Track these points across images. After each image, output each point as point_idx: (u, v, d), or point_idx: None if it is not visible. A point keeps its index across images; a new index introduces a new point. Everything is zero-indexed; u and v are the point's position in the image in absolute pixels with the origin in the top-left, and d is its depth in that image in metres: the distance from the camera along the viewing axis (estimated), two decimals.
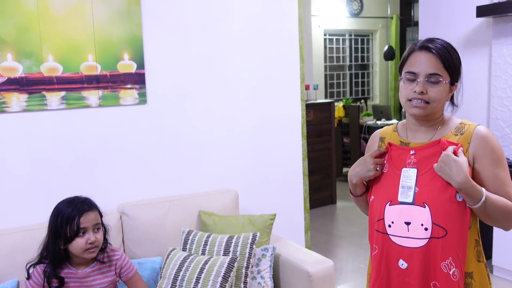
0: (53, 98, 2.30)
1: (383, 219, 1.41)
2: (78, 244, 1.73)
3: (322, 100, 6.14)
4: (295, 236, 3.05)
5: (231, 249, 2.13)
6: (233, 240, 2.16)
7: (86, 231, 1.75)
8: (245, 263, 2.11)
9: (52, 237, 1.75)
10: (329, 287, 2.21)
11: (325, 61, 8.25)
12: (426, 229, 1.33)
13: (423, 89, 1.35)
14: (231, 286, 2.02)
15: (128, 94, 2.49)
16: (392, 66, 8.84)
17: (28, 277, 1.77)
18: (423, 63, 1.37)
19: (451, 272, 1.32)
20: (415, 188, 1.36)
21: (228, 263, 1.96)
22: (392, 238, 1.39)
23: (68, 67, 2.32)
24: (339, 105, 6.83)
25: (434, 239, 1.32)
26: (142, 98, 2.52)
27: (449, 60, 1.37)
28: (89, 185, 2.37)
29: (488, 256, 3.68)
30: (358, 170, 1.49)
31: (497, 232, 3.39)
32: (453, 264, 1.32)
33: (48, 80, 2.28)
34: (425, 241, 1.33)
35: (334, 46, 8.43)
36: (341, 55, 8.55)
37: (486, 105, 3.82)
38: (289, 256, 2.31)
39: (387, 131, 1.57)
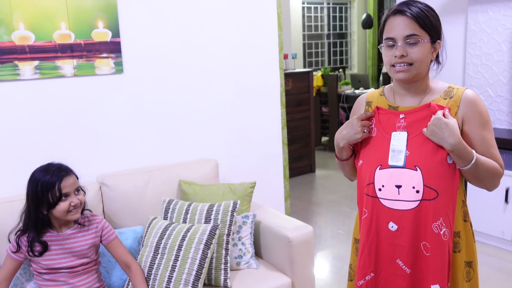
0: (26, 67, 2.24)
1: (373, 183, 1.42)
2: (61, 208, 1.77)
3: (300, 69, 6.13)
4: (275, 204, 3.10)
5: (212, 217, 2.15)
6: (214, 208, 2.18)
7: (68, 195, 1.79)
8: (226, 230, 2.14)
9: (34, 205, 1.78)
10: (308, 252, 2.26)
11: (303, 30, 8.19)
12: (417, 191, 1.35)
13: (403, 52, 1.36)
14: (213, 252, 2.05)
15: (104, 64, 2.44)
16: (370, 34, 8.84)
17: (17, 249, 1.82)
18: (398, 26, 1.37)
19: (441, 232, 1.36)
20: (405, 151, 1.37)
21: (210, 230, 1.99)
22: (382, 201, 1.41)
23: (41, 36, 2.26)
24: (317, 74, 6.83)
25: (425, 201, 1.35)
26: (119, 68, 2.48)
27: (425, 19, 1.37)
28: (66, 156, 2.32)
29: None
30: (345, 133, 1.49)
31: (471, 196, 3.50)
32: (444, 224, 1.36)
33: (20, 49, 2.22)
34: (416, 203, 1.36)
35: (312, 14, 8.36)
36: (319, 24, 8.50)
37: (461, 72, 3.88)
38: (269, 223, 2.35)
39: (374, 94, 1.57)
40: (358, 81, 6.78)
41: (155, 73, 2.60)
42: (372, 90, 1.61)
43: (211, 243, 1.97)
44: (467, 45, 3.75)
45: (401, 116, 1.42)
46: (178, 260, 1.94)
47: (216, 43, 2.78)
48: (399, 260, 1.41)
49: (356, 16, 8.76)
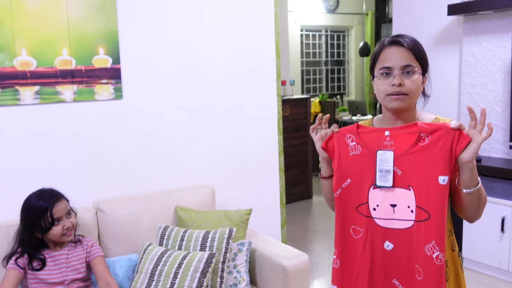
0: (27, 92, 2.27)
1: (367, 203, 1.41)
2: (55, 232, 1.90)
3: (298, 95, 6.20)
4: (272, 231, 3.09)
5: (208, 244, 2.15)
6: (210, 235, 2.18)
7: (61, 219, 1.92)
8: (221, 258, 2.13)
9: (27, 230, 1.90)
10: (305, 281, 2.25)
11: (302, 57, 8.30)
12: (412, 211, 1.35)
13: (401, 81, 1.38)
14: (208, 281, 2.04)
15: (104, 89, 2.47)
16: (367, 62, 8.95)
17: (14, 262, 1.90)
18: (395, 56, 1.40)
19: (434, 256, 1.33)
20: (396, 170, 1.36)
21: (206, 259, 1.98)
22: (377, 221, 1.39)
23: (42, 62, 2.29)
24: (315, 100, 6.89)
25: (418, 222, 1.34)
26: (118, 93, 2.51)
27: (419, 52, 1.42)
28: (64, 181, 2.34)
29: (459, 249, 3.79)
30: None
31: (466, 225, 3.50)
32: (437, 248, 1.33)
33: (21, 75, 2.25)
34: (411, 223, 1.35)
35: (311, 42, 8.49)
36: (317, 50, 8.62)
37: (456, 101, 3.93)
38: (265, 251, 2.34)
39: (365, 124, 1.56)
40: (356, 108, 6.84)
41: (154, 99, 2.63)
42: (361, 121, 1.59)
43: (208, 271, 1.97)
44: (462, 75, 3.81)
45: (386, 133, 1.40)
46: (173, 287, 1.93)
47: (215, 70, 2.83)
48: (395, 280, 1.40)
49: (353, 44, 8.89)
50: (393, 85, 1.38)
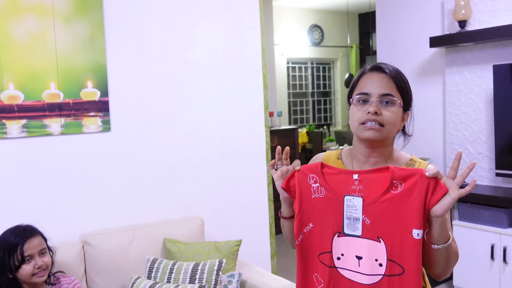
0: (13, 126, 2.26)
1: (331, 252, 1.25)
2: (25, 271, 1.75)
3: (286, 126, 6.25)
4: (262, 262, 3.05)
5: (197, 276, 2.12)
6: (199, 267, 2.15)
7: (32, 257, 1.77)
8: None
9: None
10: None
11: (289, 88, 8.41)
12: (380, 265, 1.20)
13: (377, 109, 1.25)
14: None
15: (92, 122, 2.47)
16: None
17: None
18: (375, 83, 1.28)
19: None
20: (364, 219, 1.21)
21: None
22: (341, 271, 1.24)
23: (30, 95, 2.30)
24: (302, 131, 6.95)
25: (388, 276, 1.19)
26: (106, 126, 2.51)
27: (401, 82, 1.30)
28: (50, 214, 2.31)
29: (449, 277, 3.78)
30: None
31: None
32: None
33: (8, 108, 2.25)
34: (379, 277, 1.20)
35: (297, 74, 8.62)
36: (303, 82, 8.75)
37: (442, 130, 3.99)
38: (255, 282, 2.31)
39: (330, 157, 1.42)
40: (343, 138, 6.91)
41: (142, 131, 2.63)
42: (328, 151, 1.45)
43: None
44: (446, 104, 3.88)
45: (354, 177, 1.23)
46: None
47: (203, 103, 2.85)
48: None
49: (339, 75, 9.05)
50: (369, 112, 1.25)
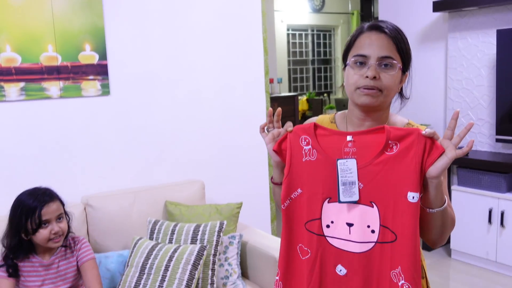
0: (12, 89, 2.24)
1: (320, 218, 1.18)
2: (41, 236, 1.73)
3: (286, 93, 6.22)
4: (262, 225, 3.09)
5: (199, 237, 2.14)
6: (201, 229, 2.17)
7: (49, 222, 1.74)
8: (212, 251, 2.12)
9: (14, 230, 1.74)
10: None
11: (289, 56, 8.33)
12: (373, 231, 1.14)
13: (376, 74, 1.16)
14: (200, 273, 2.03)
15: (91, 85, 2.45)
16: None
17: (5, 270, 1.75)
18: (374, 44, 1.18)
19: (399, 284, 1.12)
20: (358, 183, 1.14)
21: (197, 251, 1.97)
22: (330, 240, 1.17)
23: (27, 58, 2.27)
24: (302, 98, 6.92)
25: (380, 243, 1.13)
26: (105, 89, 2.49)
27: (402, 43, 1.21)
28: (51, 177, 2.32)
29: (447, 240, 3.83)
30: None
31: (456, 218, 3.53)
32: (402, 275, 1.12)
33: (6, 71, 2.22)
34: (370, 245, 1.14)
35: (297, 41, 8.52)
36: (304, 50, 8.66)
37: (443, 96, 3.97)
38: (256, 243, 2.34)
39: (323, 121, 1.34)
40: (343, 105, 6.89)
41: (141, 95, 2.61)
42: (322, 115, 1.38)
43: (199, 264, 1.96)
44: (448, 70, 3.85)
45: (348, 138, 1.16)
46: (164, 280, 1.92)
47: (202, 66, 2.82)
48: None
49: (339, 43, 8.95)
50: (366, 77, 1.16)
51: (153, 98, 2.65)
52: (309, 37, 8.68)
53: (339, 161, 1.15)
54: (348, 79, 1.22)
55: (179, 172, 2.75)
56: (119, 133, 2.55)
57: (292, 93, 6.16)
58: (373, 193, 1.13)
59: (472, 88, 3.69)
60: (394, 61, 1.18)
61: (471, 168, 3.44)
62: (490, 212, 3.29)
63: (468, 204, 3.44)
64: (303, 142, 1.21)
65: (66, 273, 1.83)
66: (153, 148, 2.67)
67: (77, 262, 1.86)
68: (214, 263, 2.12)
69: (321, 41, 8.89)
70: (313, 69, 8.82)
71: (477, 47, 3.62)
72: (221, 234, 2.16)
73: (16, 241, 1.74)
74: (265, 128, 1.28)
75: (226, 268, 2.25)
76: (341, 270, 1.17)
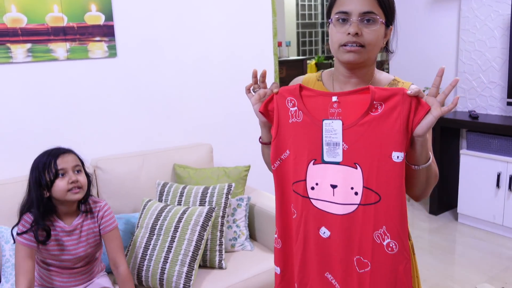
0: (18, 50, 2.22)
1: (305, 180, 1.19)
2: (59, 187, 1.68)
3: (294, 57, 6.13)
4: (269, 188, 3.08)
5: (207, 199, 2.16)
6: (209, 191, 2.19)
7: (66, 172, 1.70)
8: (221, 213, 2.14)
9: (35, 188, 1.70)
10: None
11: (297, 19, 8.17)
12: (356, 193, 1.14)
13: (358, 30, 1.16)
14: (208, 234, 2.06)
15: (97, 47, 2.42)
16: None
17: (26, 237, 1.69)
18: (354, 1, 1.17)
19: (384, 243, 1.14)
20: (342, 144, 1.15)
21: (206, 213, 1.99)
22: (314, 202, 1.19)
23: (33, 18, 2.24)
24: (311, 62, 6.82)
25: (363, 205, 1.14)
26: (112, 51, 2.46)
27: None
28: (60, 139, 2.32)
29: (453, 204, 3.85)
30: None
31: (462, 181, 3.53)
32: (388, 234, 1.13)
33: (12, 32, 2.20)
34: (353, 207, 1.15)
35: (306, 3, 8.34)
36: (313, 12, 8.48)
37: (454, 59, 3.89)
38: (264, 206, 2.36)
39: (310, 79, 1.36)
40: None
41: (149, 57, 2.59)
42: (309, 74, 1.38)
43: (208, 225, 1.98)
44: (460, 32, 3.76)
45: (333, 99, 1.16)
46: (174, 241, 1.95)
47: (210, 27, 2.77)
48: (328, 274, 1.21)
49: None
50: (349, 34, 1.16)
51: (161, 61, 2.62)
52: (319, 0, 8.48)
53: (325, 122, 1.16)
54: (331, 37, 1.22)
55: (187, 135, 2.75)
56: (127, 96, 2.54)
57: (300, 57, 6.08)
58: (358, 154, 1.14)
59: (484, 50, 3.61)
60: (376, 16, 1.17)
61: (481, 132, 3.41)
62: (498, 176, 3.28)
63: (477, 169, 3.43)
64: (289, 104, 1.21)
65: (87, 238, 1.80)
66: (162, 111, 2.66)
67: (99, 229, 1.82)
68: (222, 224, 2.14)
69: None
70: (322, 32, 8.66)
71: (491, 7, 3.52)
72: (229, 196, 2.18)
73: (38, 200, 1.69)
74: (251, 89, 1.28)
75: (234, 229, 2.27)
76: (324, 232, 1.19)
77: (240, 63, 2.92)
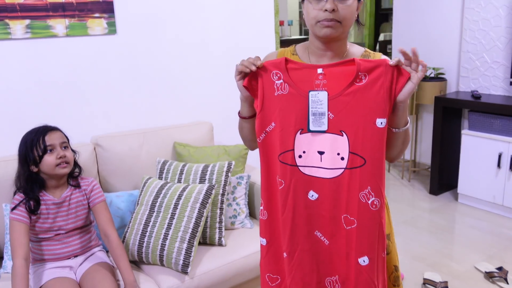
0: (17, 26, 2.20)
1: (293, 149, 1.25)
2: (48, 162, 1.78)
3: (296, 36, 6.07)
4: None
5: (207, 177, 2.16)
6: (209, 169, 2.19)
7: (54, 148, 1.80)
8: (221, 190, 2.15)
9: (23, 164, 1.80)
10: None
11: None
12: (342, 158, 1.22)
13: (334, 6, 1.20)
14: (208, 212, 2.07)
15: (97, 24, 2.40)
16: (367, 3, 8.71)
17: (19, 213, 1.75)
18: None
19: (369, 202, 1.24)
20: (328, 114, 1.22)
21: (206, 190, 2.00)
22: (302, 169, 1.26)
23: None
24: None
25: (349, 169, 1.22)
26: (111, 28, 2.44)
27: None
28: (59, 117, 2.33)
29: (454, 185, 3.85)
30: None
31: (463, 162, 3.53)
32: (372, 193, 1.23)
33: (11, 7, 2.17)
34: (340, 171, 1.23)
35: None
36: None
37: (458, 38, 3.85)
38: None
39: (284, 53, 1.39)
40: None
41: (149, 35, 2.56)
42: (281, 49, 1.41)
43: (207, 202, 1.99)
44: (464, 10, 3.71)
45: (319, 71, 1.22)
46: (174, 218, 1.96)
47: (211, 5, 2.74)
48: (317, 232, 1.30)
49: None
50: (325, 10, 1.21)
51: (161, 38, 2.60)
52: None
53: (311, 93, 1.22)
54: (308, 13, 1.26)
55: (188, 113, 2.74)
56: (127, 74, 2.52)
57: (302, 36, 6.01)
58: (343, 122, 1.21)
59: (489, 29, 3.57)
60: None
61: (483, 112, 3.39)
62: (499, 156, 3.28)
63: (478, 149, 3.42)
64: (274, 77, 1.26)
65: (76, 211, 1.87)
66: (162, 89, 2.64)
67: (88, 204, 1.91)
68: (222, 202, 2.15)
69: None
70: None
71: None
72: (229, 174, 2.18)
73: (27, 175, 1.79)
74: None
75: (234, 207, 2.28)
76: (312, 195, 1.27)
77: (241, 41, 2.89)
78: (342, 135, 1.22)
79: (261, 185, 1.35)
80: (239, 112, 1.38)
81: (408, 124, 1.25)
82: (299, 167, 1.26)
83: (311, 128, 1.23)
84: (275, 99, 1.26)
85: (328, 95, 1.21)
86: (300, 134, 1.25)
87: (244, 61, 1.26)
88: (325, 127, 1.22)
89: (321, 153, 1.24)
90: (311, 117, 1.22)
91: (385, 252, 1.31)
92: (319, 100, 1.22)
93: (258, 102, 1.28)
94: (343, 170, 1.23)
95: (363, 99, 1.19)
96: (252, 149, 1.47)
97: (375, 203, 1.24)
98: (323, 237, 1.30)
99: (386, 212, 1.41)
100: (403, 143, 1.29)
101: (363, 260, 1.27)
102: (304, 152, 1.25)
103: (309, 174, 1.26)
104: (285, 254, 1.35)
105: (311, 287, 1.34)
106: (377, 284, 1.29)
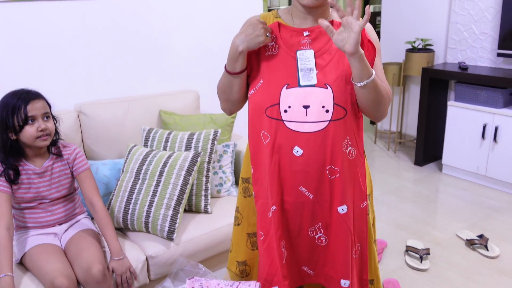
0: None
1: (278, 104, 1.30)
2: (28, 133, 1.70)
3: (285, 6, 5.98)
4: None
5: (193, 144, 2.15)
6: (195, 137, 2.18)
7: (35, 119, 1.72)
8: (206, 158, 2.14)
9: (1, 129, 1.71)
10: None
11: None
12: (327, 111, 1.28)
13: None
14: (194, 179, 2.07)
15: None
16: None
17: None
18: None
19: (347, 151, 1.33)
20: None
21: (191, 158, 1.99)
22: (288, 124, 1.30)
23: None
24: None
25: (334, 121, 1.29)
26: None
27: None
28: (43, 83, 2.28)
29: (439, 156, 3.89)
30: (244, 36, 1.28)
31: (448, 133, 3.56)
32: (350, 143, 1.33)
33: None
34: (325, 124, 1.29)
35: None
36: None
37: (447, 8, 3.82)
38: None
39: (267, 17, 1.41)
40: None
41: (134, 1, 2.50)
42: (262, 13, 1.44)
43: (193, 170, 1.99)
44: None
45: (305, 33, 1.31)
46: (159, 185, 1.96)
47: None
48: (302, 187, 1.35)
49: None
50: None
51: (147, 3, 2.54)
52: None
53: (298, 52, 1.31)
54: None
55: (173, 82, 2.71)
56: (112, 40, 2.47)
57: (290, 6, 5.93)
58: (328, 76, 1.29)
59: (477, 0, 3.55)
60: None
61: (469, 83, 3.40)
62: (484, 127, 3.31)
63: (463, 120, 3.44)
64: (273, 40, 1.34)
65: (59, 180, 1.84)
66: (147, 57, 2.60)
67: (71, 172, 1.87)
68: (208, 170, 2.15)
69: None
70: None
71: None
72: (215, 142, 2.17)
73: (5, 143, 1.71)
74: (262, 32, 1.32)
75: (220, 175, 2.28)
76: (297, 151, 1.32)
77: (228, 10, 2.84)
78: (327, 88, 1.28)
79: (248, 140, 1.42)
80: (229, 70, 1.35)
81: (374, 74, 1.23)
82: (285, 122, 1.31)
83: (301, 83, 1.29)
84: (265, 58, 1.34)
85: (314, 52, 1.30)
86: (286, 89, 1.30)
87: (259, 26, 1.27)
88: (314, 81, 1.29)
89: (306, 107, 1.29)
90: (300, 73, 1.30)
91: (364, 204, 1.41)
92: (306, 57, 1.30)
93: (252, 61, 1.36)
94: (328, 122, 1.29)
95: (342, 55, 1.29)
96: (231, 113, 1.49)
97: (351, 152, 1.34)
98: (307, 192, 1.36)
99: (367, 170, 1.46)
100: (376, 98, 1.27)
101: (342, 209, 1.37)
102: (289, 107, 1.30)
103: (294, 129, 1.30)
104: (274, 207, 1.39)
105: (294, 234, 1.42)
106: (353, 233, 1.39)
